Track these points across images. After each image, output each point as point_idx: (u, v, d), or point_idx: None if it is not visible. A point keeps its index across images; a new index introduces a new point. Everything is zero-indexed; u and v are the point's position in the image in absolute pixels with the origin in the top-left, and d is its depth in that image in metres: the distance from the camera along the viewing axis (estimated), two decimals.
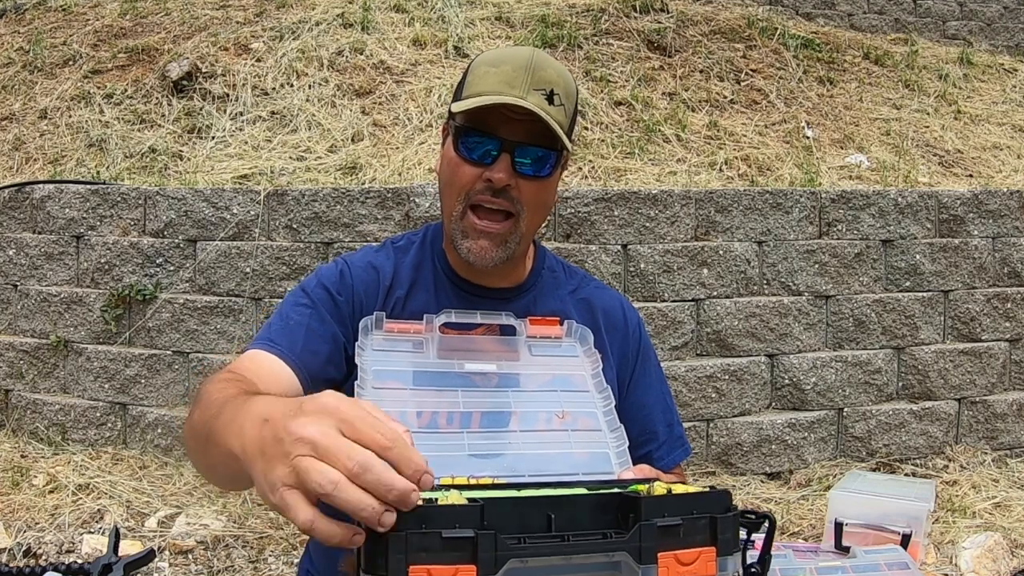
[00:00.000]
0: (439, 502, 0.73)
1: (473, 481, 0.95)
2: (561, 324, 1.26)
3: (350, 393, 1.07)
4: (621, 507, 0.78)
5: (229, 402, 0.92)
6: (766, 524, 0.91)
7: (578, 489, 0.85)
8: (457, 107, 1.20)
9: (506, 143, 1.20)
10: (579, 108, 1.44)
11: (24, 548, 2.83)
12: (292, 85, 4.69)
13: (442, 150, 1.31)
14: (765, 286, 3.78)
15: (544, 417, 1.16)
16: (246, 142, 4.35)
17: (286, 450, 0.71)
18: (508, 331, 1.26)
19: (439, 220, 1.41)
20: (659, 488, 0.84)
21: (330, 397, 0.74)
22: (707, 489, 0.82)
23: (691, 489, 0.84)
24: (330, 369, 1.24)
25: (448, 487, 0.86)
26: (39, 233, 3.89)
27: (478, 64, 1.26)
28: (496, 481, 0.96)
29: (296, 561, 2.79)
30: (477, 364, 1.19)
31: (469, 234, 1.23)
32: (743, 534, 0.87)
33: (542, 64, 1.22)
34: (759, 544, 0.93)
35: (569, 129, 1.26)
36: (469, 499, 0.74)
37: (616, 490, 0.84)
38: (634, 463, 1.38)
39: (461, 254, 1.25)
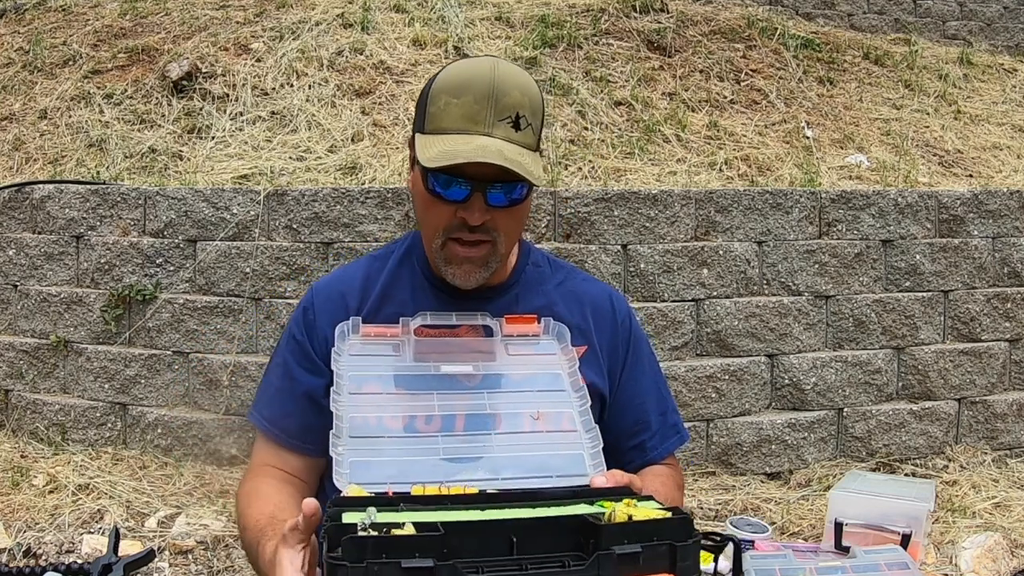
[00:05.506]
0: (393, 532, 0.75)
1: (444, 490, 0.96)
2: (538, 321, 1.27)
3: None
4: (583, 531, 0.79)
5: (255, 536, 1.20)
6: (739, 543, 0.92)
7: (542, 510, 0.86)
8: (423, 158, 1.17)
9: (476, 184, 1.19)
10: (546, 113, 1.46)
11: (24, 548, 2.83)
12: (292, 85, 4.69)
13: (412, 173, 1.30)
14: (765, 286, 3.78)
15: (520, 419, 1.16)
16: (246, 142, 4.35)
17: None
18: (489, 331, 1.26)
19: None
20: (621, 513, 0.85)
21: None
22: (669, 515, 0.82)
23: (653, 514, 0.85)
24: (309, 417, 1.34)
25: (413, 498, 0.89)
26: (39, 233, 3.90)
27: (438, 93, 1.21)
28: (466, 489, 0.97)
29: None
30: (453, 366, 1.19)
31: (452, 261, 1.26)
32: (738, 539, 0.88)
33: (504, 87, 1.17)
34: (760, 545, 0.93)
35: (537, 142, 1.25)
36: (429, 523, 0.76)
37: (582, 510, 0.85)
38: (627, 453, 1.38)
39: (447, 279, 1.28)
